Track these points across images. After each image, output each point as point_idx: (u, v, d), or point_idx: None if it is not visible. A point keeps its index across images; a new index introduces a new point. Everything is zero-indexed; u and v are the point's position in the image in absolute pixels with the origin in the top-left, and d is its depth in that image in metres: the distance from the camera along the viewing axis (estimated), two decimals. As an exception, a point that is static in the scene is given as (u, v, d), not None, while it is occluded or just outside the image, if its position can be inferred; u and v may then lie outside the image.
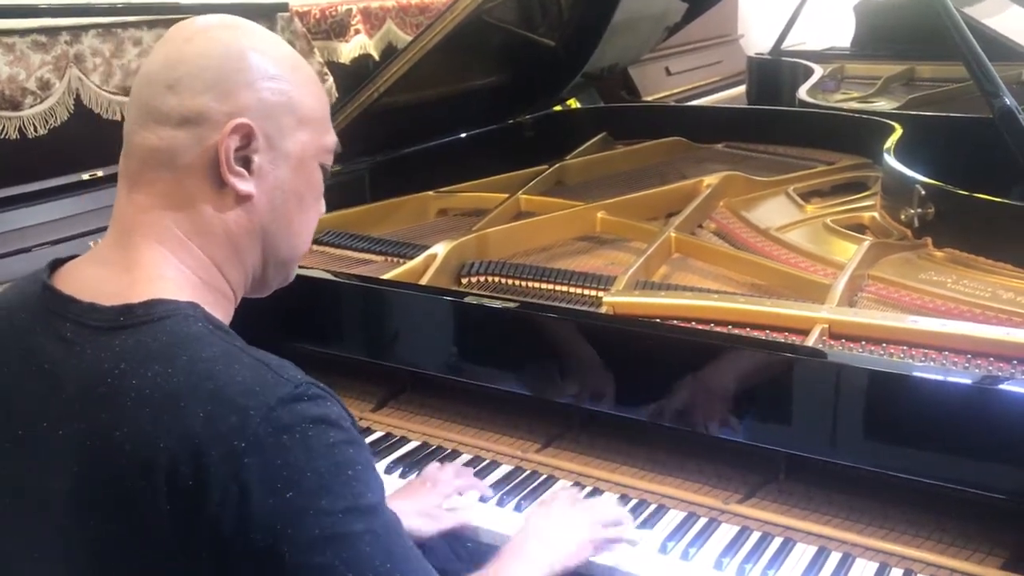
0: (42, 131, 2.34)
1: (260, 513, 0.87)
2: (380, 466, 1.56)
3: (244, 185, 1.01)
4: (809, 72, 3.75)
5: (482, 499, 1.47)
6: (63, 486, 0.94)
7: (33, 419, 0.97)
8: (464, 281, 1.84)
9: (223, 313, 1.03)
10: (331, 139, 1.09)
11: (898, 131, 2.39)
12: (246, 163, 1.01)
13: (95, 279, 1.00)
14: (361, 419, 1.72)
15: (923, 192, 1.88)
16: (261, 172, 1.02)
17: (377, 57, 3.24)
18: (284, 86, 1.03)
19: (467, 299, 1.61)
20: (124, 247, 1.01)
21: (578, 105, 3.48)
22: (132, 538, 0.91)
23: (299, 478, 0.88)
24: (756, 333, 1.51)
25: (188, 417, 0.88)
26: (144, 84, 1.01)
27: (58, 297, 1.00)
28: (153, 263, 1.00)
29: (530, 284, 1.80)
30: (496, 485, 1.50)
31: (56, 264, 1.05)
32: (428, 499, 1.43)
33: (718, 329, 1.53)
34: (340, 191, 2.32)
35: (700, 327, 1.54)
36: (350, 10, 3.21)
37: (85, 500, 0.93)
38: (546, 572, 1.22)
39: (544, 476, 1.52)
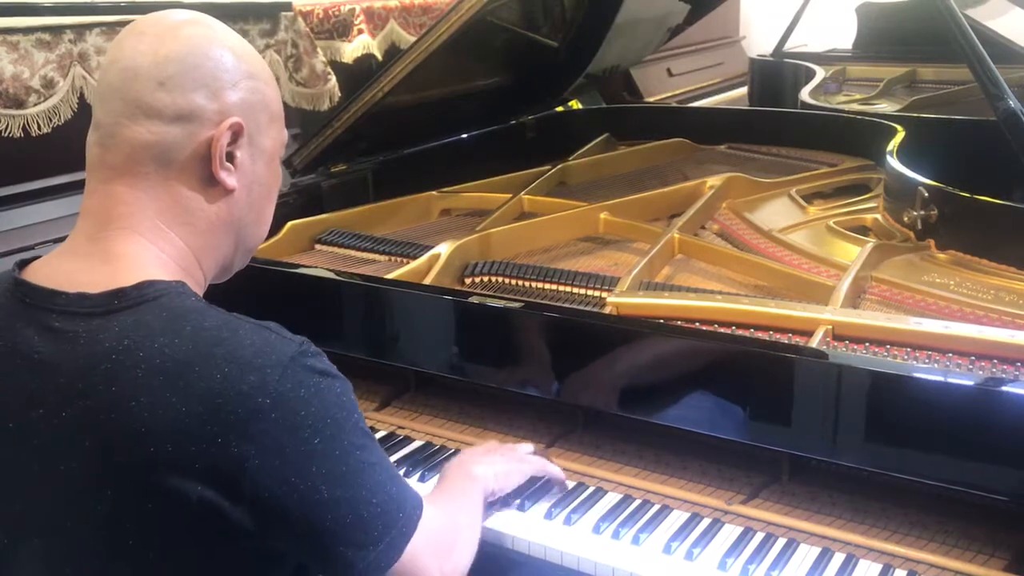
0: (46, 129, 2.34)
1: (295, 460, 0.96)
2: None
3: (231, 180, 1.07)
4: (811, 74, 3.75)
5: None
6: (72, 466, 0.96)
7: (26, 410, 0.99)
8: (467, 281, 1.84)
9: None
10: (286, 133, 1.18)
11: (901, 133, 2.39)
12: (230, 158, 1.07)
13: (72, 272, 1.03)
14: (365, 419, 1.72)
15: (926, 194, 1.88)
16: (242, 167, 1.08)
17: (380, 57, 3.24)
18: (260, 85, 1.10)
19: (471, 299, 1.61)
20: (99, 240, 1.03)
21: (580, 106, 3.48)
22: (158, 504, 0.94)
23: (321, 426, 0.99)
24: (760, 334, 1.51)
25: (205, 379, 0.93)
26: (130, 78, 1.03)
27: (38, 291, 1.02)
28: (134, 253, 1.03)
29: (533, 284, 1.80)
30: (499, 485, 1.50)
31: (23, 264, 1.08)
32: None
33: (722, 330, 1.53)
34: (344, 191, 2.32)
35: (704, 328, 1.54)
36: (353, 10, 3.21)
37: (100, 474, 0.96)
38: (484, 489, 1.36)
39: (546, 476, 1.51)
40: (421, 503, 1.13)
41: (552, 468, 1.46)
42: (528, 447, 1.51)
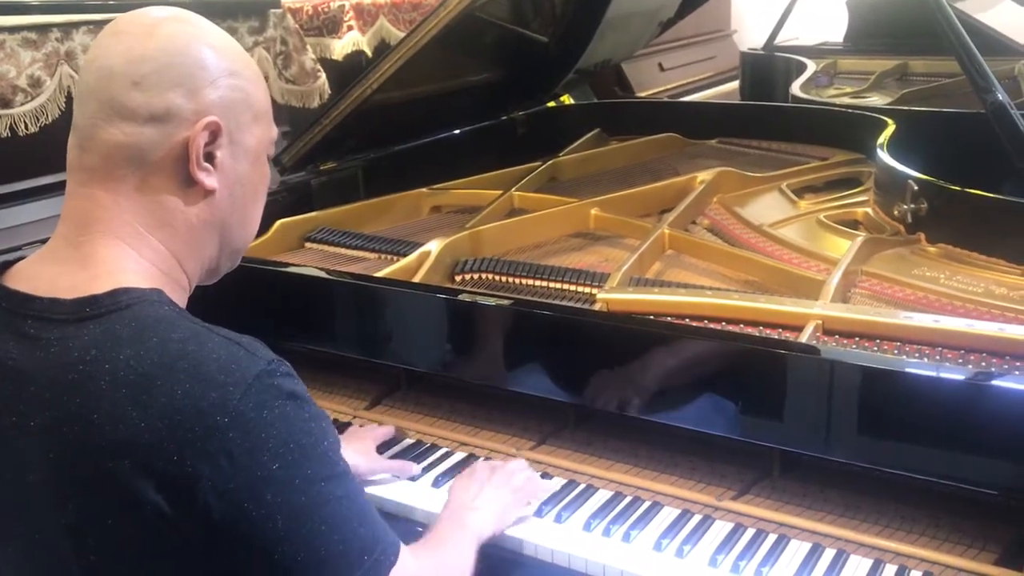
0: (33, 129, 2.33)
1: (251, 484, 0.92)
2: (374, 464, 1.55)
3: (210, 180, 1.04)
4: (802, 67, 3.76)
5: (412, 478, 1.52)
6: (40, 477, 0.96)
7: (0, 417, 0.98)
8: (458, 278, 1.84)
9: (180, 302, 1.05)
10: (276, 131, 1.14)
11: (891, 126, 2.39)
12: (210, 158, 1.04)
13: (51, 276, 1.01)
14: (355, 417, 1.72)
15: (916, 187, 1.88)
16: (223, 167, 1.06)
17: (370, 54, 3.23)
18: (242, 83, 1.07)
19: (461, 296, 1.61)
20: (79, 244, 1.02)
21: (571, 101, 3.47)
22: (117, 518, 0.93)
23: (283, 451, 0.94)
24: (750, 329, 1.51)
25: (166, 395, 0.91)
26: (105, 78, 1.01)
27: (14, 296, 1.01)
28: (112, 258, 1.01)
29: (524, 281, 1.79)
30: (490, 483, 1.50)
31: (4, 267, 1.06)
32: (365, 442, 1.56)
33: (712, 326, 1.52)
34: (333, 188, 2.32)
35: (694, 324, 1.54)
36: (343, 6, 3.20)
37: (64, 486, 0.95)
38: (480, 538, 1.28)
39: (539, 474, 1.51)
40: (397, 550, 1.05)
41: (542, 486, 1.44)
42: (520, 463, 1.46)
